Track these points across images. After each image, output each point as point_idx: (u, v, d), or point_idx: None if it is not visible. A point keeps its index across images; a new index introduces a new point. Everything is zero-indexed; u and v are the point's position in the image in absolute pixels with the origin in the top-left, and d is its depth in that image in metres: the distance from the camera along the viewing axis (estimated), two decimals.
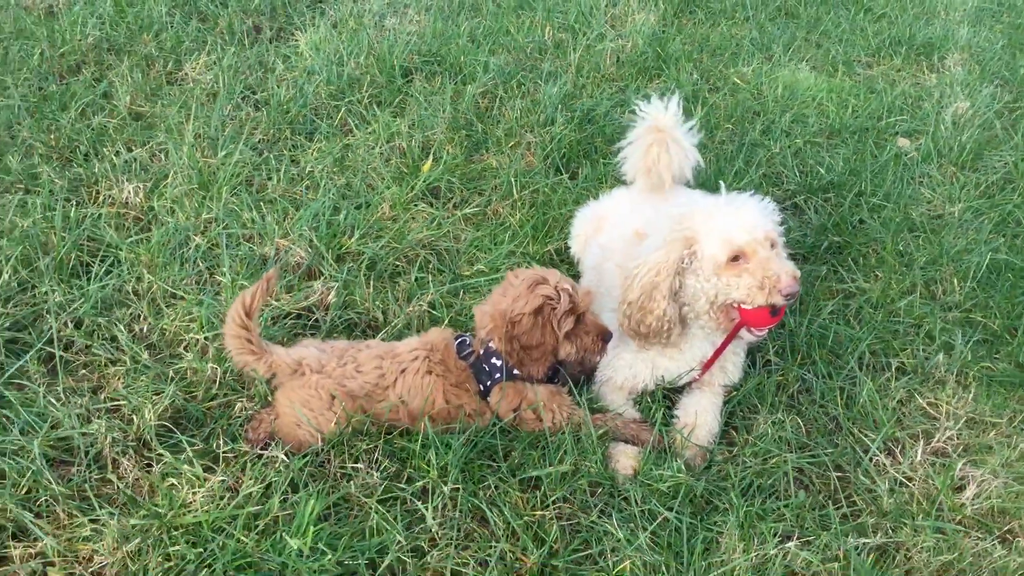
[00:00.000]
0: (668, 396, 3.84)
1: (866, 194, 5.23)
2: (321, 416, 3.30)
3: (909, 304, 4.36)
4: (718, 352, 3.65)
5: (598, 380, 3.84)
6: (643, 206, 4.18)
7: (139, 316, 3.88)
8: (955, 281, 4.52)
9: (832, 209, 5.12)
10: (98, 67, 5.80)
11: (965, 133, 5.88)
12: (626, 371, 3.78)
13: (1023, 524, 3.38)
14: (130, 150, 4.95)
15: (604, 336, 3.52)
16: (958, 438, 3.72)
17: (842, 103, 6.29)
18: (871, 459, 3.57)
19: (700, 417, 3.64)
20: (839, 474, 3.55)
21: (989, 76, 6.95)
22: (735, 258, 3.37)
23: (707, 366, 3.71)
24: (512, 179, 4.89)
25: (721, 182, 3.73)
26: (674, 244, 3.47)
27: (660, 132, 4.24)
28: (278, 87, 5.64)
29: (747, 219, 3.40)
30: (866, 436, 3.67)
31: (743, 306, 3.41)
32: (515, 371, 3.41)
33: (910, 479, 3.52)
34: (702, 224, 3.45)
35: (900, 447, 3.66)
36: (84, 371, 3.61)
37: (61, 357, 3.60)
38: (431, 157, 5.05)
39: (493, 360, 3.42)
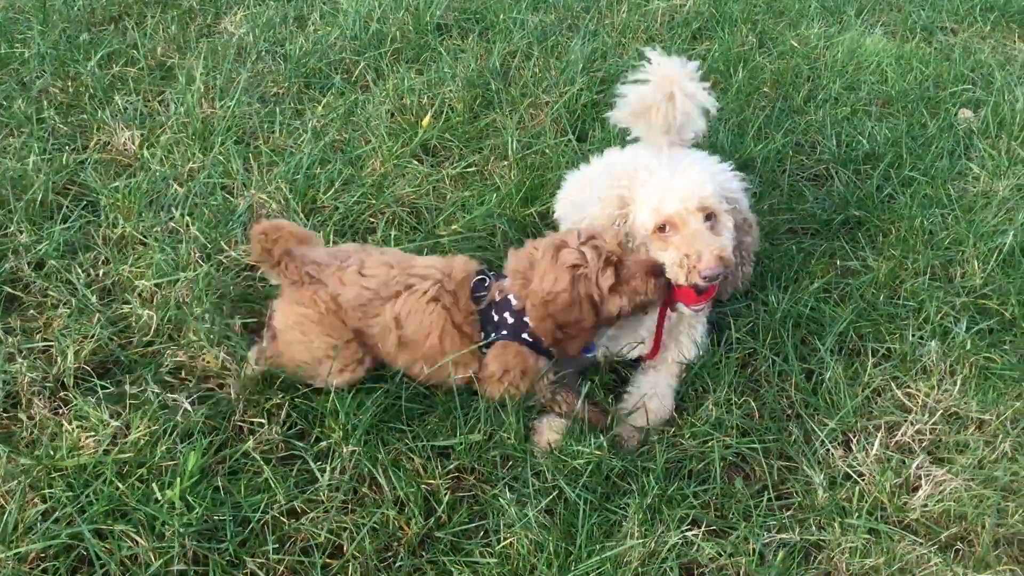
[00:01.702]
0: (618, 371, 3.63)
1: (904, 166, 4.81)
2: (314, 342, 3.17)
3: (913, 286, 3.98)
4: (659, 328, 3.41)
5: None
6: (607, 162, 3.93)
7: (102, 260, 3.92)
8: (975, 263, 4.11)
9: (861, 182, 4.73)
10: (140, 18, 5.90)
11: None
12: None
13: (978, 531, 3.04)
14: (146, 100, 5.02)
15: (654, 271, 3.14)
16: (930, 433, 3.38)
17: (905, 70, 5.80)
18: (814, 451, 3.28)
19: (650, 400, 3.42)
20: (784, 463, 3.28)
21: None
22: (663, 227, 3.13)
23: (655, 344, 3.47)
24: (511, 139, 4.71)
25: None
26: (608, 202, 3.26)
27: (668, 79, 3.84)
28: (305, 41, 5.61)
29: (683, 185, 3.14)
30: (823, 425, 3.37)
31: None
32: (549, 348, 3.20)
33: (861, 474, 3.21)
34: (639, 185, 3.22)
35: (859, 439, 3.34)
36: (33, 311, 3.67)
37: (11, 295, 3.67)
38: (431, 113, 4.91)
39: (506, 315, 3.19)
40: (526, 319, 3.15)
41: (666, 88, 3.81)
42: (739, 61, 5.71)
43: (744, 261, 3.44)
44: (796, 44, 6.07)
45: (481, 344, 3.21)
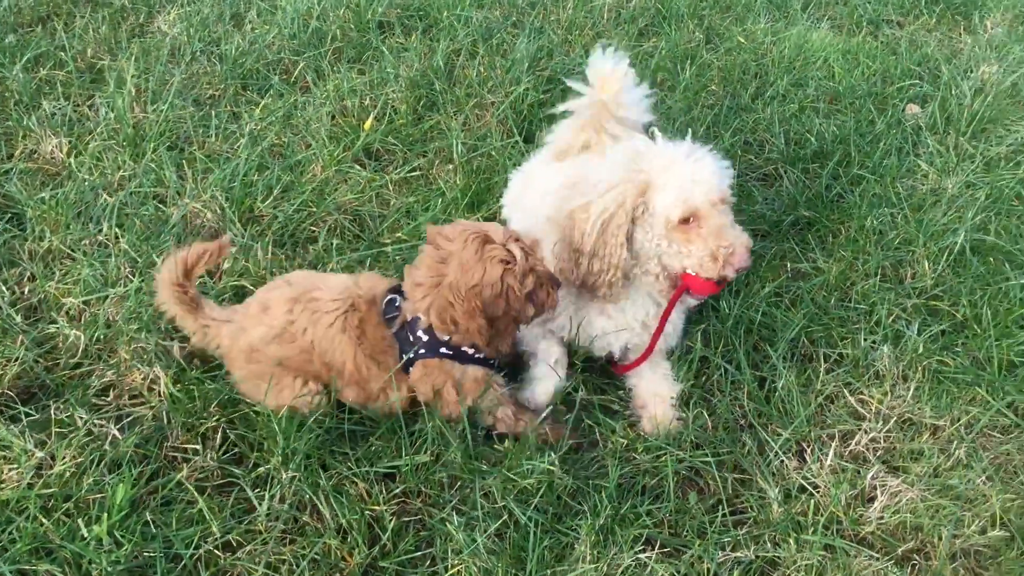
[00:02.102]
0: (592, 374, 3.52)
1: (853, 164, 4.77)
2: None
3: (864, 288, 3.94)
4: (663, 320, 3.31)
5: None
6: (571, 163, 3.80)
7: (27, 277, 3.74)
8: (926, 264, 4.07)
9: (810, 182, 4.68)
10: (69, 18, 5.68)
11: (982, 99, 5.31)
12: (555, 325, 3.48)
13: (934, 544, 2.99)
14: (75, 105, 4.81)
15: (555, 284, 3.11)
16: (884, 441, 3.33)
17: (852, 65, 5.77)
18: (768, 462, 3.22)
19: (657, 407, 3.39)
20: (738, 476, 3.21)
21: None
22: (687, 219, 3.02)
23: (654, 339, 3.38)
24: (456, 141, 4.59)
25: (655, 129, 3.33)
26: (628, 187, 3.09)
27: (601, 107, 3.70)
28: (242, 40, 5.43)
29: (706, 176, 3.03)
30: (777, 435, 3.30)
31: (689, 272, 3.10)
32: (478, 352, 3.07)
33: (816, 486, 3.15)
34: (659, 173, 3.08)
35: (812, 448, 3.28)
36: None
37: None
38: (374, 116, 4.77)
39: (419, 332, 3.05)
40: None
41: (597, 122, 3.73)
42: (686, 58, 5.64)
43: None
44: (743, 40, 6.01)
45: (400, 366, 3.09)
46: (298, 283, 3.15)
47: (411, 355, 3.05)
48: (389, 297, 3.13)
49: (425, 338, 3.05)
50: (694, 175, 3.02)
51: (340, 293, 3.08)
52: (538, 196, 3.67)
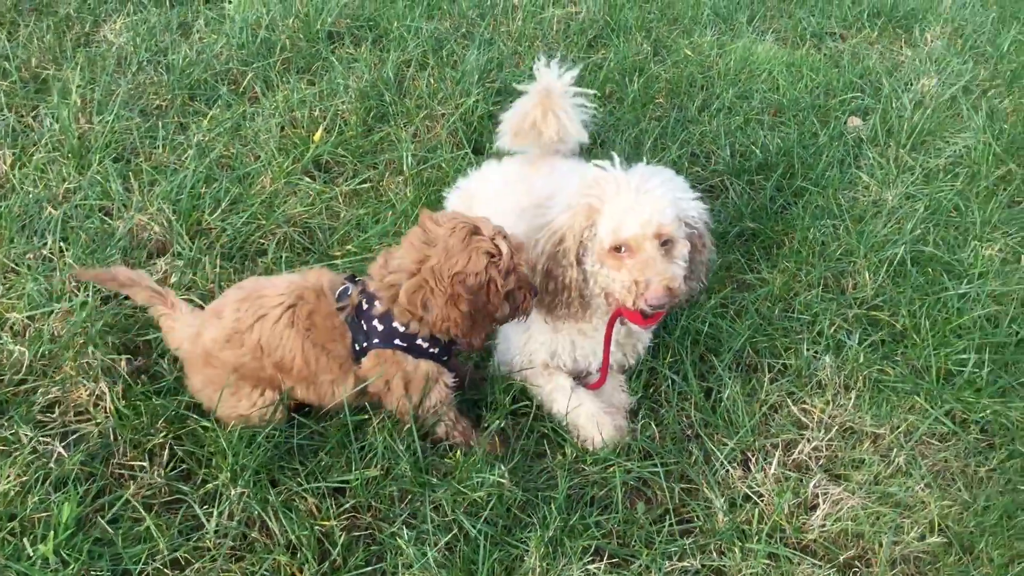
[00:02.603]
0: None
1: (796, 176, 4.87)
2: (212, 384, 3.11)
3: (807, 299, 4.02)
4: (606, 342, 3.35)
5: (514, 366, 3.54)
6: (516, 183, 3.88)
7: None
8: (866, 274, 4.16)
9: (754, 193, 4.77)
10: (13, 27, 5.59)
11: (921, 113, 5.45)
12: (544, 352, 3.51)
13: (875, 551, 3.06)
14: (19, 116, 4.75)
15: (533, 291, 3.13)
16: (826, 449, 3.40)
17: (796, 77, 5.88)
18: (714, 471, 3.28)
19: (614, 416, 3.44)
20: (685, 486, 3.26)
21: (969, 51, 6.49)
22: (618, 248, 3.07)
23: (603, 369, 3.45)
24: (406, 153, 4.60)
25: (614, 153, 3.38)
26: (579, 211, 3.17)
27: (546, 97, 3.97)
28: (189, 50, 5.39)
29: (645, 209, 3.07)
30: (723, 445, 3.36)
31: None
32: (433, 347, 3.06)
33: (760, 495, 3.21)
34: (607, 199, 3.14)
35: (757, 458, 3.35)
36: None
37: None
38: (323, 127, 4.77)
39: (374, 322, 3.03)
40: (396, 324, 3.02)
41: (544, 108, 3.95)
42: (634, 70, 5.71)
43: (695, 276, 3.38)
44: (690, 52, 6.09)
45: (352, 355, 3.09)
46: (248, 286, 3.16)
47: (364, 344, 3.04)
48: (343, 288, 3.12)
49: (380, 327, 3.03)
50: (633, 206, 3.08)
51: (286, 289, 3.08)
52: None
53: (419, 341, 3.04)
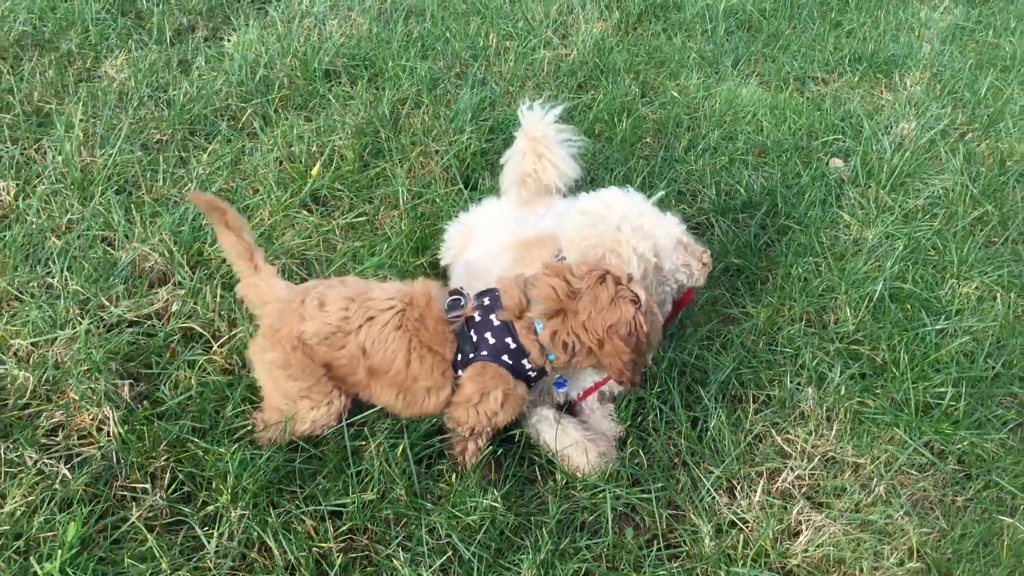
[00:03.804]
0: None
1: (780, 215, 5.02)
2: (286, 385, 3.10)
3: (790, 333, 4.15)
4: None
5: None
6: (514, 220, 4.02)
7: None
8: (848, 310, 4.30)
9: (739, 231, 4.92)
10: (16, 61, 5.71)
11: (900, 155, 5.62)
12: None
13: (856, 575, 3.16)
14: (22, 148, 4.85)
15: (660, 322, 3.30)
16: (809, 478, 3.51)
17: (780, 120, 6.06)
18: (700, 498, 3.38)
19: (598, 443, 3.54)
20: (673, 512, 3.36)
21: (947, 96, 6.68)
22: None
23: (597, 383, 3.58)
24: (401, 188, 4.73)
25: (629, 187, 3.52)
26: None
27: (534, 142, 4.13)
28: (189, 87, 5.52)
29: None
30: (709, 473, 3.46)
31: None
32: (532, 371, 3.17)
33: (745, 521, 3.31)
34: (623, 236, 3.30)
35: (742, 485, 3.45)
36: None
37: None
38: (320, 162, 4.89)
39: (487, 335, 3.12)
40: (509, 340, 3.10)
41: (535, 153, 4.11)
42: (623, 111, 5.87)
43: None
44: (676, 94, 6.27)
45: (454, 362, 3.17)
46: (352, 284, 3.22)
47: (470, 355, 3.13)
48: (452, 298, 3.21)
49: (492, 341, 3.12)
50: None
51: (395, 293, 3.16)
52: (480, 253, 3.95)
53: (524, 362, 3.15)
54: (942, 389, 3.87)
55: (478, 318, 3.14)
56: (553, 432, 3.47)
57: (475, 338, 3.12)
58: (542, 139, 4.13)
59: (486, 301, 3.18)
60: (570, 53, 6.62)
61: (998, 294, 4.57)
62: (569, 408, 3.72)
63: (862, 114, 6.29)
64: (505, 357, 3.12)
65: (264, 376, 3.19)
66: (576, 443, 3.45)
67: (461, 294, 3.21)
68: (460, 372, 3.16)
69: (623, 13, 7.32)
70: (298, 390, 3.12)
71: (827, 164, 5.66)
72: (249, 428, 3.30)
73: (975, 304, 4.47)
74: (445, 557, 2.99)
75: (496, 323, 3.12)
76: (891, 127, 6.15)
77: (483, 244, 3.97)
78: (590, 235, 3.31)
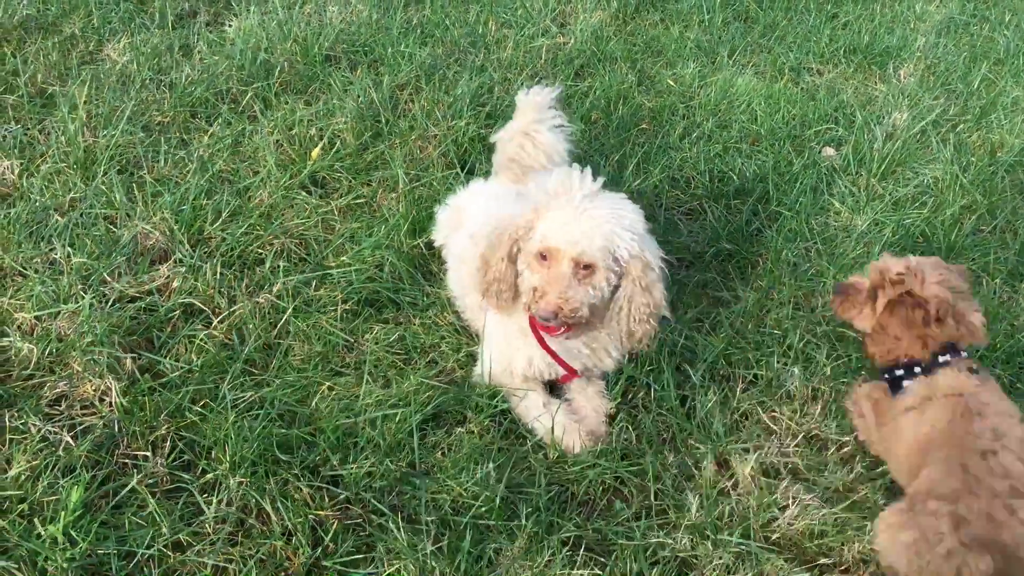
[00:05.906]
0: None
1: (771, 202, 5.10)
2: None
3: (778, 315, 4.23)
4: (546, 350, 3.55)
5: (494, 374, 3.71)
6: (502, 197, 4.08)
7: None
8: None
9: (731, 217, 5.00)
10: (20, 44, 5.78)
11: (892, 144, 5.70)
12: (521, 359, 3.67)
13: (840, 551, 3.25)
14: (26, 128, 4.93)
15: None
16: (793, 455, 3.60)
17: (774, 109, 6.13)
18: (688, 474, 3.46)
19: (589, 419, 3.66)
20: (660, 487, 3.44)
21: (941, 88, 6.76)
22: (543, 256, 3.27)
23: (562, 365, 3.64)
24: (400, 171, 4.81)
25: (588, 167, 3.55)
26: (526, 213, 3.39)
27: (524, 125, 4.22)
28: (191, 70, 5.59)
29: (576, 230, 3.23)
30: (696, 448, 3.55)
31: None
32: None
33: (731, 495, 3.40)
34: (551, 208, 3.32)
35: (729, 461, 3.54)
36: None
37: None
38: (321, 145, 4.97)
39: None
40: None
41: (524, 136, 4.20)
42: (619, 98, 5.95)
43: (621, 311, 3.44)
44: (672, 83, 6.34)
45: None
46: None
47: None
48: None
49: None
50: (568, 223, 3.25)
51: None
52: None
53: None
54: None
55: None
56: (538, 416, 3.59)
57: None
58: (531, 123, 4.20)
59: None
60: (568, 41, 6.70)
61: (984, 280, 4.65)
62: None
63: (855, 104, 6.36)
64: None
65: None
66: (562, 426, 3.54)
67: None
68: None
69: (621, 2, 7.38)
70: None
71: (819, 152, 5.74)
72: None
73: None
74: (439, 526, 3.08)
75: None
76: (883, 117, 6.22)
77: (475, 220, 4.02)
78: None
